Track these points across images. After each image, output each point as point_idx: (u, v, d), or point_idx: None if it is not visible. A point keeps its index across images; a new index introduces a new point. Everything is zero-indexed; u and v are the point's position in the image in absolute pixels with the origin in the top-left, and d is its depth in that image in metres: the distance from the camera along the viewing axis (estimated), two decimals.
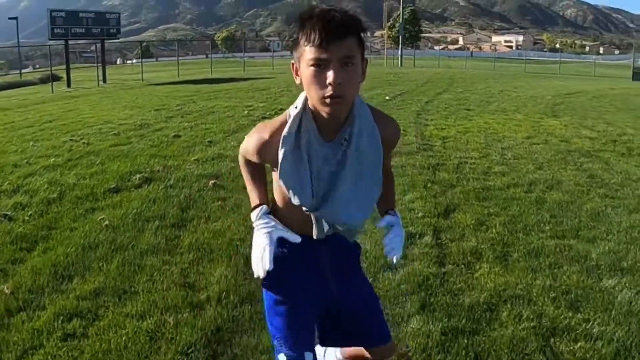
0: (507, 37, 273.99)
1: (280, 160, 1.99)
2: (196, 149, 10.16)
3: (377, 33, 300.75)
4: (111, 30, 36.57)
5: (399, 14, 76.86)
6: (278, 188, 2.13)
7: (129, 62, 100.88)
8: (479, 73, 42.81)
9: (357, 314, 2.35)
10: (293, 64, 2.01)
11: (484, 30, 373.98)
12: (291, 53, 2.01)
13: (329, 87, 1.82)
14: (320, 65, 1.84)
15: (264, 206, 2.17)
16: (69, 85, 32.07)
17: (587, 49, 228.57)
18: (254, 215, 2.17)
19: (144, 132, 12.25)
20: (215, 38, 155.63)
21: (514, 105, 18.55)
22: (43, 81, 38.37)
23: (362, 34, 1.91)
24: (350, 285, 2.35)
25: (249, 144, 2.15)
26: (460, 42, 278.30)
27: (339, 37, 1.82)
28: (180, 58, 48.27)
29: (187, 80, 31.78)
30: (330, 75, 1.82)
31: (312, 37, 1.82)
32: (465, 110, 16.49)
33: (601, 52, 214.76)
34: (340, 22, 1.82)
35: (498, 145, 10.92)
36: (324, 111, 1.91)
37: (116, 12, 40.27)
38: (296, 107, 2.02)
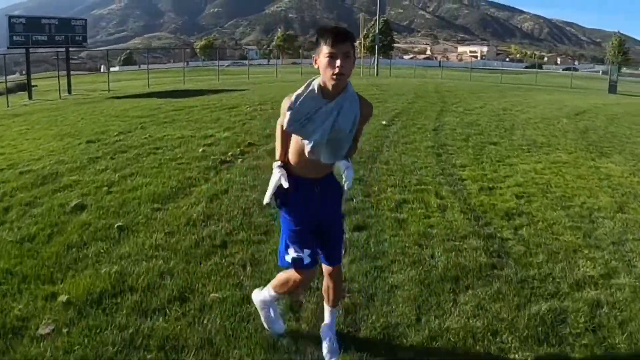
0: (472, 48, 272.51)
1: (310, 119, 3.10)
2: (90, 252, 5.31)
3: (355, 44, 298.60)
4: (77, 38, 31.33)
5: (373, 24, 72.53)
6: (292, 146, 3.28)
7: (112, 69, 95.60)
8: (461, 85, 38.52)
9: (330, 235, 3.47)
10: (314, 57, 3.09)
11: (448, 41, 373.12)
12: (315, 50, 3.06)
13: (337, 69, 2.95)
14: (332, 57, 2.96)
15: (280, 162, 3.34)
16: (30, 97, 27.90)
17: (546, 59, 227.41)
18: (275, 164, 3.34)
19: (38, 193, 7.44)
20: (194, 46, 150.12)
21: (540, 134, 14.23)
22: (15, 90, 33.91)
23: (354, 41, 3.04)
24: (330, 214, 3.47)
25: (282, 109, 3.19)
26: (428, 52, 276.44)
27: (342, 41, 2.96)
28: (161, 66, 44.03)
29: (155, 93, 26.91)
30: (337, 62, 2.95)
31: (328, 40, 2.96)
32: (492, 146, 11.96)
33: (559, 62, 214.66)
34: (343, 33, 3.00)
35: (602, 237, 6.30)
36: (331, 83, 3.03)
37: (82, 19, 34.71)
38: (308, 86, 3.14)
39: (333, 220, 3.49)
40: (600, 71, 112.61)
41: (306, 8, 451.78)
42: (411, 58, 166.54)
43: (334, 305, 3.64)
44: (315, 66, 3.07)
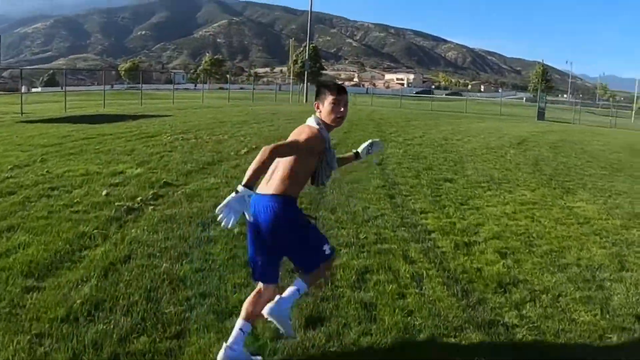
0: (399, 75, 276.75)
1: (326, 148, 3.60)
2: None
3: (277, 69, 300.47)
4: None
5: (302, 51, 71.54)
6: (302, 170, 3.53)
7: (33, 90, 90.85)
8: (394, 113, 37.69)
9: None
10: (317, 103, 3.69)
11: (374, 68, 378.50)
12: (316, 98, 3.72)
13: (340, 114, 3.61)
14: (336, 104, 3.58)
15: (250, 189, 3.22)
16: None
17: (470, 87, 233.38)
18: (244, 188, 3.18)
19: None
20: (119, 69, 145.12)
21: (493, 167, 13.08)
22: None
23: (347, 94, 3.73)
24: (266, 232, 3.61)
25: (314, 139, 3.49)
26: (355, 79, 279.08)
27: (344, 92, 3.67)
28: (85, 88, 41.30)
29: (71, 117, 24.31)
30: (341, 108, 3.61)
31: (334, 92, 3.61)
32: (448, 183, 10.58)
33: (482, 90, 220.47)
34: (343, 87, 3.73)
35: (621, 311, 4.88)
36: (334, 123, 3.65)
37: None
38: (318, 124, 3.60)
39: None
40: (524, 98, 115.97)
41: (235, 33, 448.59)
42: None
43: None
44: (317, 110, 3.70)
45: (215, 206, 3.19)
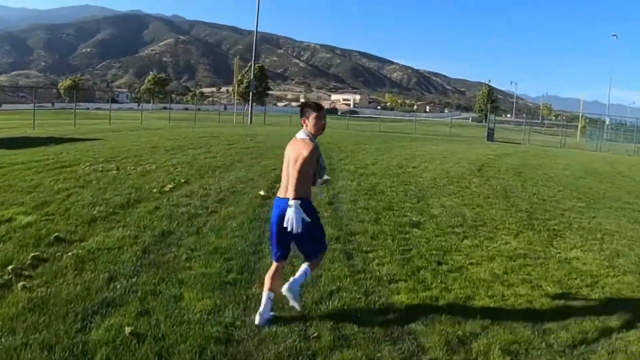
0: (345, 96, 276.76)
1: (321, 158, 4.88)
2: None
3: (223, 89, 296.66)
4: None
5: (247, 70, 69.49)
6: (307, 176, 4.66)
7: None
8: (341, 135, 35.88)
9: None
10: (304, 119, 4.82)
11: (321, 89, 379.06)
12: (301, 115, 4.85)
13: (322, 125, 4.82)
14: (318, 119, 4.75)
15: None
16: None
17: (415, 107, 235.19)
18: (295, 201, 4.51)
19: None
20: (59, 86, 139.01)
21: (462, 204, 11.29)
22: None
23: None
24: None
25: (314, 150, 4.65)
26: (302, 99, 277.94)
27: (322, 109, 4.84)
28: (26, 106, 38.07)
29: None
30: (323, 122, 4.82)
31: (316, 109, 4.80)
32: (415, 229, 8.63)
33: (427, 110, 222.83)
34: (322, 105, 4.98)
35: None
36: (319, 134, 4.82)
37: None
38: (308, 136, 4.77)
39: None
40: (470, 118, 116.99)
41: (181, 53, 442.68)
42: (285, 105, 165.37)
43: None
44: (305, 125, 4.83)
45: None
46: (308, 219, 4.58)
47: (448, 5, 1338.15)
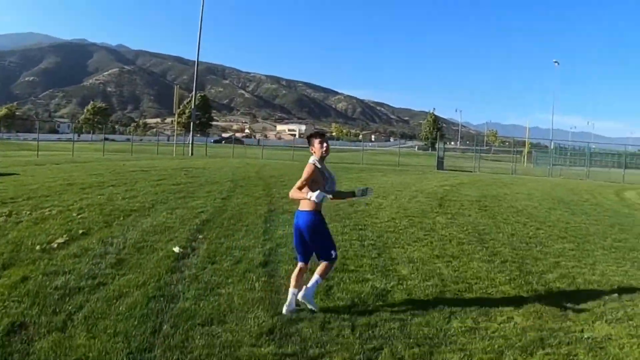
0: (290, 126, 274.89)
1: (325, 175, 5.81)
2: None
3: (168, 120, 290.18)
4: None
5: (189, 101, 66.60)
6: (317, 188, 5.63)
7: None
8: (286, 167, 33.52)
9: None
10: (311, 148, 5.86)
11: (266, 119, 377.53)
12: (308, 145, 5.97)
13: (326, 149, 5.81)
14: (321, 144, 5.80)
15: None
16: None
17: (360, 137, 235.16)
18: (317, 192, 5.53)
19: None
20: None
21: (434, 255, 8.89)
22: None
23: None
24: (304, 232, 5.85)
25: (312, 172, 5.67)
26: (247, 130, 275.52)
27: (323, 136, 5.99)
28: None
29: None
30: (325, 145, 5.83)
31: (318, 138, 5.89)
32: (381, 305, 6.15)
33: (373, 139, 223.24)
34: (323, 133, 6.26)
35: None
36: (325, 155, 5.83)
37: None
38: (314, 161, 5.75)
39: None
40: (416, 147, 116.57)
41: (126, 83, 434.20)
42: (230, 136, 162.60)
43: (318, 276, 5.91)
44: (312, 151, 5.85)
45: None
46: (329, 196, 5.82)
47: (391, 37, 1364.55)
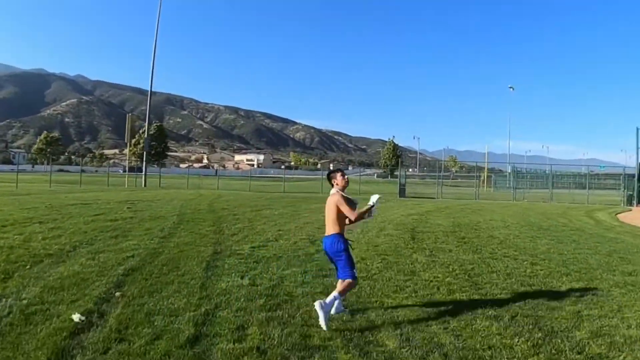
0: (249, 156, 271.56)
1: (352, 199, 6.42)
2: None
3: (126, 151, 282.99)
4: None
5: (144, 130, 63.85)
6: (342, 215, 6.32)
7: None
8: (241, 197, 31.17)
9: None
10: (334, 181, 6.57)
11: (225, 150, 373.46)
12: (330, 182, 6.62)
13: (346, 181, 6.57)
14: (341, 177, 6.57)
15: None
16: None
17: (319, 165, 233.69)
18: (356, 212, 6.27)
19: None
20: None
21: (417, 300, 6.73)
22: None
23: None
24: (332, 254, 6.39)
25: (342, 196, 6.36)
26: (205, 160, 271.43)
27: (342, 171, 6.75)
28: None
29: None
30: (346, 178, 6.62)
31: (339, 173, 6.65)
32: None
33: (332, 168, 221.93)
34: (341, 169, 7.06)
35: None
36: (345, 187, 6.54)
37: None
38: (337, 191, 6.43)
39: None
40: (375, 174, 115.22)
41: (84, 113, 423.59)
42: (188, 166, 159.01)
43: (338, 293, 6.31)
44: (335, 184, 6.51)
45: None
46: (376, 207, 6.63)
47: (347, 68, 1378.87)
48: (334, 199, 6.31)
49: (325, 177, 7.50)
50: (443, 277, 8.72)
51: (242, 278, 8.02)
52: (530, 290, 7.99)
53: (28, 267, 8.67)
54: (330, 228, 6.32)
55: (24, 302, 6.54)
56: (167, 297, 6.89)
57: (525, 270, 9.66)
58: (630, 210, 32.27)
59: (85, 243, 11.18)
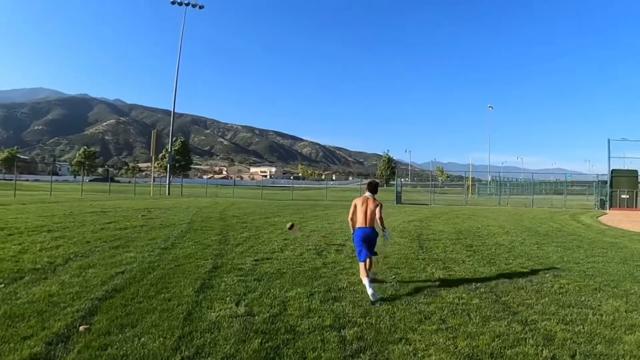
0: (262, 169, 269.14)
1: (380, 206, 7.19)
2: None
3: (156, 163, 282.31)
4: None
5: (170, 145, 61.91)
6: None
7: None
8: (252, 205, 29.01)
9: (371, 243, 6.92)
10: (377, 190, 7.38)
11: (242, 163, 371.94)
12: (374, 190, 7.29)
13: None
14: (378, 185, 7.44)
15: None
16: None
17: (323, 177, 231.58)
18: (385, 230, 7.17)
19: None
20: None
21: (449, 331, 4.39)
22: None
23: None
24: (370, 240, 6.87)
25: (381, 204, 7.09)
26: (225, 172, 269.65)
27: (377, 184, 7.48)
28: None
29: None
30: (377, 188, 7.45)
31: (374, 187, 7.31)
32: None
33: (334, 178, 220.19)
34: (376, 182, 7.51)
35: None
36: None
37: None
38: (375, 197, 7.12)
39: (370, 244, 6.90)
40: None
41: (121, 132, 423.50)
42: (210, 177, 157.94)
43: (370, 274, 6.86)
44: (368, 193, 7.18)
45: None
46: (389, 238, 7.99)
47: (346, 92, 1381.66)
48: (376, 202, 7.00)
49: (365, 185, 7.50)
50: (469, 298, 6.56)
51: (237, 305, 5.85)
52: (573, 315, 5.86)
53: (2, 285, 6.61)
54: (371, 222, 6.85)
55: None
56: (140, 334, 4.77)
57: (552, 285, 7.52)
58: (606, 213, 30.59)
59: (80, 255, 9.09)
